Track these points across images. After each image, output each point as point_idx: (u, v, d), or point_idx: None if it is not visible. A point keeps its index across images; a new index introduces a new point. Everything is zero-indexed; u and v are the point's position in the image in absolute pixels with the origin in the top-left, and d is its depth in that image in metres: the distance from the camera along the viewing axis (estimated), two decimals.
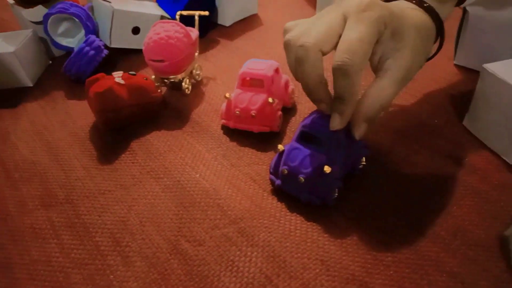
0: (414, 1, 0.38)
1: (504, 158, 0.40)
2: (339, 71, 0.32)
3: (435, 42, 0.39)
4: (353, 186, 0.39)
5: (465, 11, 0.51)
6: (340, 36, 0.33)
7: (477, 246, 0.33)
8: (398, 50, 0.35)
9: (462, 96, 0.50)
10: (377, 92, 0.35)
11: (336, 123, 0.35)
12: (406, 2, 0.38)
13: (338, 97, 0.34)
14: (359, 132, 0.36)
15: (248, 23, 0.72)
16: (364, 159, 0.40)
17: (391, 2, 0.37)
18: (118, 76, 0.47)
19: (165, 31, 0.48)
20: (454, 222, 0.35)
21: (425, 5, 0.37)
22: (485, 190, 0.37)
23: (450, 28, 0.58)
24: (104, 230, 0.37)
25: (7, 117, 0.53)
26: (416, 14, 0.36)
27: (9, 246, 0.36)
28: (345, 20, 0.34)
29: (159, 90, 0.53)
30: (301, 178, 0.36)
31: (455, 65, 0.56)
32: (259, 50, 0.64)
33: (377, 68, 0.36)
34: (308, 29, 0.35)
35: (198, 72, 0.56)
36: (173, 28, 0.49)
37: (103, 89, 0.44)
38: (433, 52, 0.40)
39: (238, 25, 0.71)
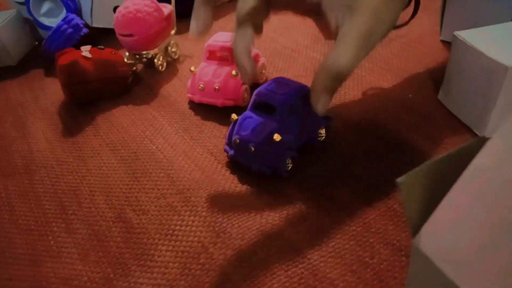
0: None
1: (475, 131, 0.38)
2: None
3: (408, 4, 0.37)
4: (310, 158, 0.37)
5: None
6: None
7: None
8: (352, 14, 0.32)
9: (444, 72, 0.47)
10: (333, 59, 0.32)
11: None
12: None
13: None
14: (319, 104, 0.33)
15: (234, 3, 0.71)
16: (324, 131, 0.38)
17: None
18: (85, 50, 0.47)
19: (134, 4, 0.48)
20: None
21: None
22: None
23: (434, 2, 0.55)
24: (54, 199, 0.36)
25: None
26: None
27: None
28: None
29: (133, 68, 0.53)
30: (251, 146, 0.34)
31: (442, 41, 0.53)
32: None
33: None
34: None
35: (174, 49, 0.55)
36: (143, 2, 0.48)
37: (68, 61, 0.44)
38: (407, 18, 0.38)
39: (226, 5, 0.70)
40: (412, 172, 0.17)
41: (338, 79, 0.33)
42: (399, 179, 0.17)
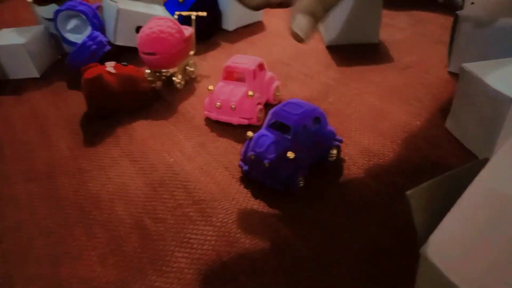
0: None
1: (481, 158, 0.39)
2: None
3: None
4: (322, 177, 0.39)
5: (456, 17, 0.51)
6: None
7: None
8: None
9: (451, 101, 0.49)
10: None
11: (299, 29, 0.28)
12: None
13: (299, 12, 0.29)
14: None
15: (251, 29, 0.74)
16: (335, 151, 0.40)
17: None
18: (110, 65, 0.49)
19: (158, 25, 0.51)
20: None
21: None
22: None
23: (443, 36, 0.58)
24: (75, 204, 0.38)
25: (10, 103, 0.56)
26: None
27: None
28: None
29: (153, 85, 0.56)
30: (265, 163, 0.36)
31: (449, 72, 0.56)
32: (257, 53, 0.65)
33: None
34: None
35: (192, 69, 0.57)
36: (166, 24, 0.51)
37: (93, 75, 0.46)
38: None
39: (241, 30, 0.73)
40: (420, 186, 0.19)
41: None
42: (408, 192, 0.18)
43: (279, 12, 0.81)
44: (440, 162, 0.40)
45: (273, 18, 0.78)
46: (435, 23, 0.71)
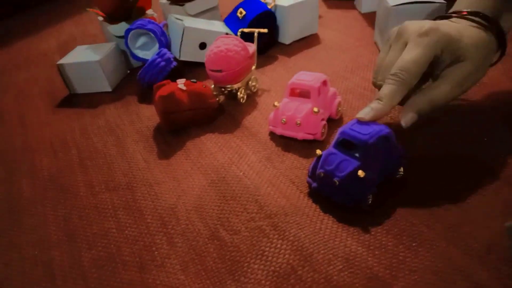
0: (474, 19, 0.41)
1: None
2: (390, 80, 0.39)
3: (496, 51, 0.42)
4: (389, 194, 0.39)
5: None
6: None
7: None
8: (457, 61, 0.39)
9: None
10: (430, 89, 0.40)
11: (365, 113, 0.39)
12: (465, 20, 0.41)
13: (378, 98, 0.39)
14: (405, 119, 0.40)
15: (307, 42, 0.75)
16: (402, 169, 0.40)
17: (450, 22, 0.41)
18: (181, 83, 0.52)
19: (225, 44, 0.53)
20: (490, 236, 0.34)
21: (484, 21, 0.41)
22: None
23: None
24: (155, 214, 0.41)
25: (87, 116, 0.61)
26: (475, 32, 0.40)
27: (75, 220, 0.42)
28: (405, 45, 0.40)
29: (217, 99, 0.58)
30: (336, 180, 0.37)
31: None
32: (314, 66, 0.66)
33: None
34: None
35: (254, 83, 0.60)
36: (232, 42, 0.54)
37: (167, 93, 0.50)
38: (495, 60, 0.43)
39: (297, 43, 0.75)
40: None
41: (429, 106, 0.40)
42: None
43: (333, 24, 0.82)
44: (510, 180, 0.39)
45: (327, 30, 0.79)
46: None
